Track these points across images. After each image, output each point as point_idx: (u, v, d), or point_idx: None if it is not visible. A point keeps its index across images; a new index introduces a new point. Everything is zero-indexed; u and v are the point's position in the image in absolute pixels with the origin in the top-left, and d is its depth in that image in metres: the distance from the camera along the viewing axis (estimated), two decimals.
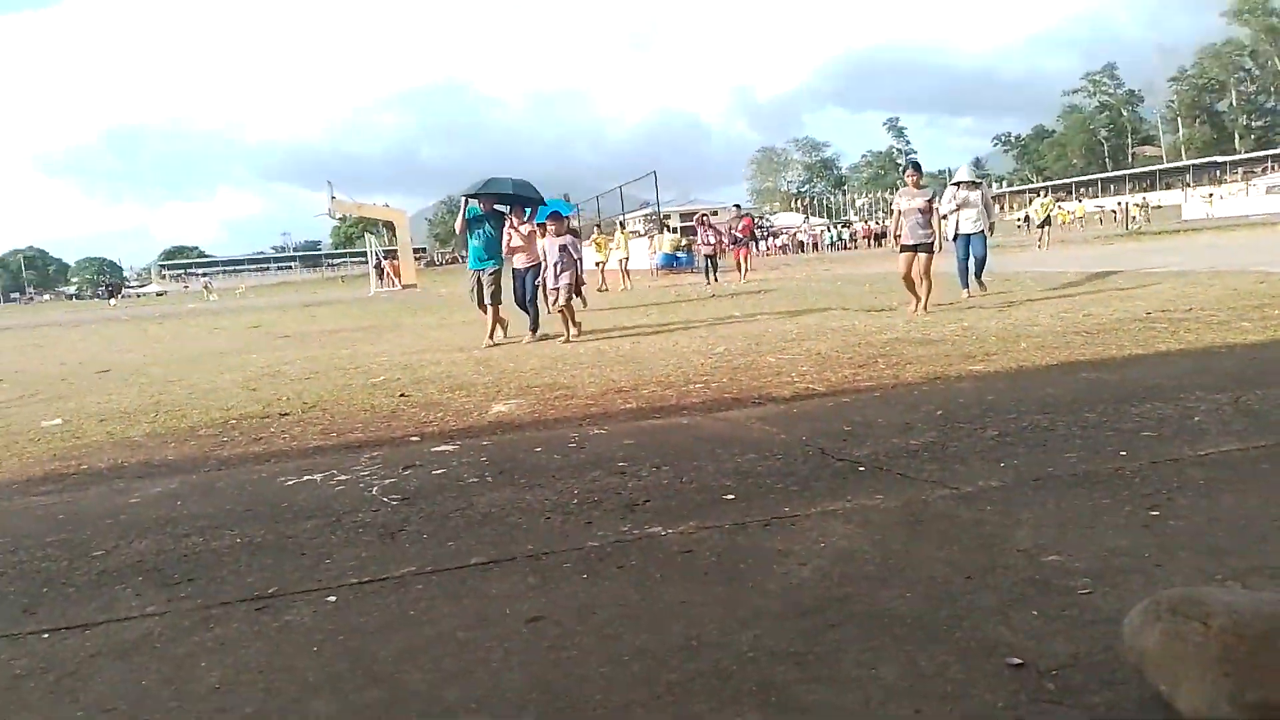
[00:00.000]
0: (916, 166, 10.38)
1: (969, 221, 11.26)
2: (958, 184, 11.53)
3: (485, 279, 10.00)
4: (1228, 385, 4.55)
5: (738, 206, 24.88)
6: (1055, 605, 2.13)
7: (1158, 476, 3.12)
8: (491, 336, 9.81)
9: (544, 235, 9.97)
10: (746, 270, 21.58)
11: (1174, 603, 1.65)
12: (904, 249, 9.80)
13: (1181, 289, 9.88)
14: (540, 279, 9.93)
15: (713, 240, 21.15)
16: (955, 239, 11.37)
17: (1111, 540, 2.54)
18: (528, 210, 10.57)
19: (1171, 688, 1.58)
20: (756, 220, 40.23)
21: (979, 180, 12.10)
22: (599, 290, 19.89)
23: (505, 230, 10.20)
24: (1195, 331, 6.64)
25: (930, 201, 9.81)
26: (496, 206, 10.31)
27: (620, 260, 22.97)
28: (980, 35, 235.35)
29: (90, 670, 2.20)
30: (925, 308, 9.55)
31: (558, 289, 9.69)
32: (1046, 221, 27.88)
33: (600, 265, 22.16)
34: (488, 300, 9.96)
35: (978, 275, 11.30)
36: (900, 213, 9.94)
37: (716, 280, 20.11)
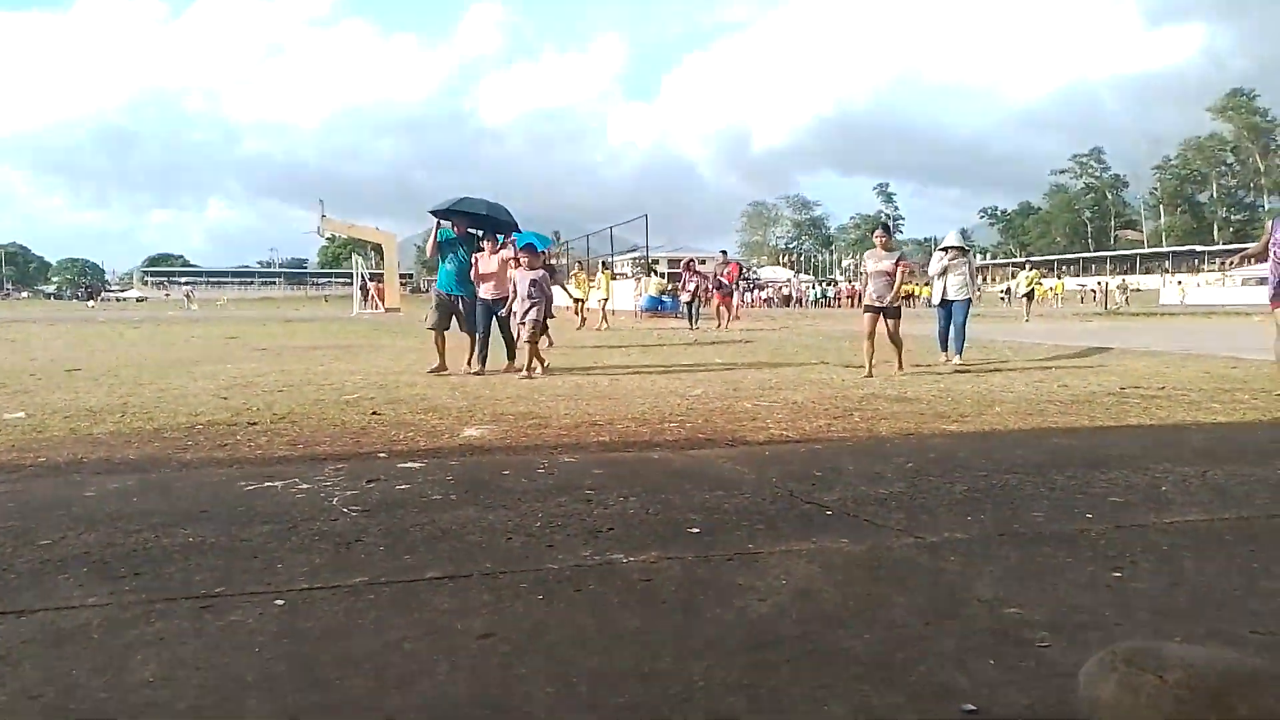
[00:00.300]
0: (886, 228, 10.51)
1: (954, 288, 11.35)
2: (945, 249, 11.65)
3: (464, 307, 9.86)
4: (1196, 460, 4.59)
5: (724, 252, 25.03)
6: (1013, 655, 2.11)
7: (1122, 540, 3.12)
8: (469, 363, 9.72)
9: (516, 267, 9.82)
10: (729, 319, 21.64)
11: (1130, 655, 1.63)
12: (869, 310, 9.82)
13: (1156, 368, 10.00)
14: (508, 310, 9.77)
15: (693, 286, 21.26)
16: (939, 305, 11.46)
17: (1073, 597, 2.53)
18: (500, 237, 10.31)
19: None
20: (743, 270, 40.51)
21: (966, 248, 12.23)
22: (578, 329, 19.87)
23: (475, 255, 9.89)
24: (1167, 408, 6.71)
25: (897, 264, 9.85)
26: (470, 230, 10.07)
27: (600, 300, 22.97)
28: (973, 109, 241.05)
29: (21, 656, 2.13)
30: (900, 366, 9.59)
31: (523, 324, 9.52)
32: (1030, 294, 28.37)
33: (580, 303, 22.13)
34: (467, 328, 9.86)
35: (958, 350, 11.24)
36: (868, 274, 9.99)
37: (698, 326, 20.18)
